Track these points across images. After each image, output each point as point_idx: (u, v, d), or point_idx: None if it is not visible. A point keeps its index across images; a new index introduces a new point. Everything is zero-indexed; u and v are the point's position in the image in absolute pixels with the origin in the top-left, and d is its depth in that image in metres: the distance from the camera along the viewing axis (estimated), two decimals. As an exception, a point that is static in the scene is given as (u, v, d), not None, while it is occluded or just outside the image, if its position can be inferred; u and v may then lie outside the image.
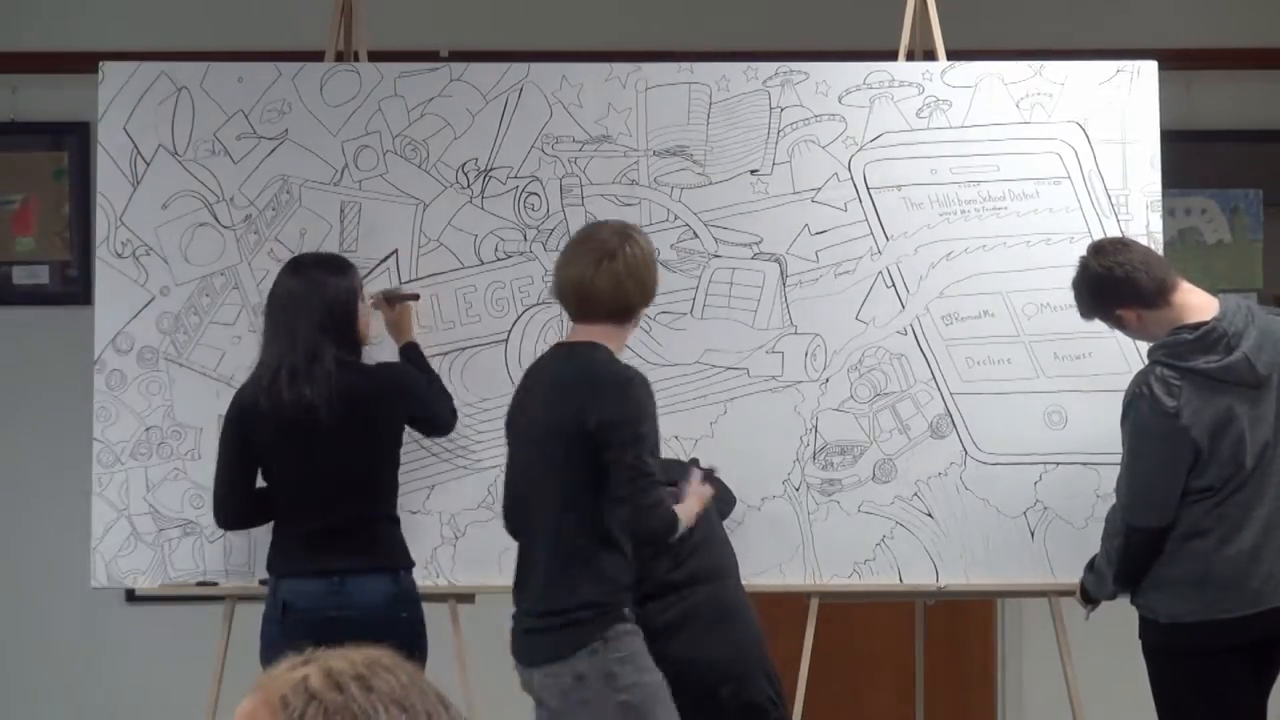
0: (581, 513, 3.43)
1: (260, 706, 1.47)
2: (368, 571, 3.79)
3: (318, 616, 3.73)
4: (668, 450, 4.08)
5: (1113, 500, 3.85)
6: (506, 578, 4.11)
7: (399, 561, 3.86)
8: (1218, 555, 3.68)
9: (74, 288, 5.41)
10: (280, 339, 3.80)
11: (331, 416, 3.74)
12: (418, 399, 3.95)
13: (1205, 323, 3.71)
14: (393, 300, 4.08)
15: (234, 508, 3.89)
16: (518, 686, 3.79)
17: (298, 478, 3.81)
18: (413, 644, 3.79)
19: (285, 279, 3.87)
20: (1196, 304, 3.76)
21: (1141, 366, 3.89)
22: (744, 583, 3.92)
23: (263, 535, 3.96)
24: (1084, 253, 3.84)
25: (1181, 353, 3.69)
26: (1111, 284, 3.76)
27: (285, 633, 3.72)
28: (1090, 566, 3.90)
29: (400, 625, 3.75)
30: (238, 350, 4.12)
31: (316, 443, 3.76)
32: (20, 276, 5.52)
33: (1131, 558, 3.77)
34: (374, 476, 3.86)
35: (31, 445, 4.29)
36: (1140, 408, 3.72)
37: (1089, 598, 3.92)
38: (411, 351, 4.06)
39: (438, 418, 4.00)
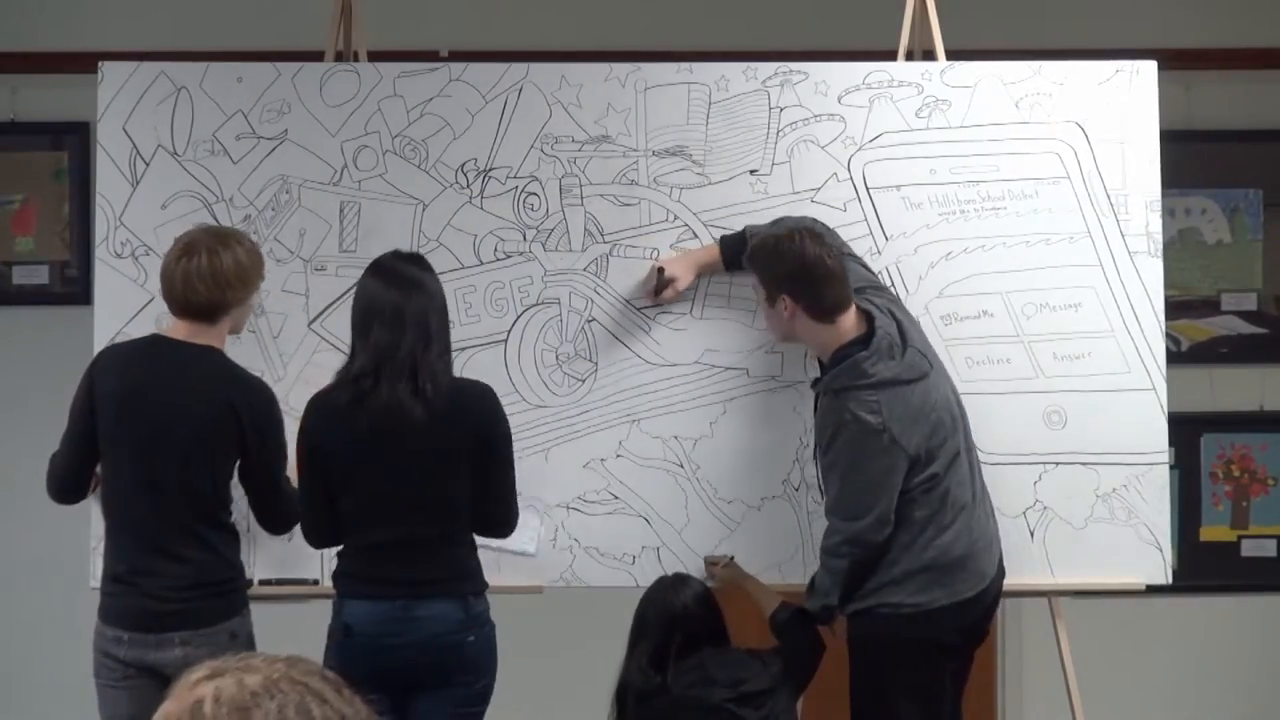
0: None
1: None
2: (435, 597, 3.64)
3: (379, 643, 3.61)
4: (668, 450, 4.10)
5: (1110, 501, 3.86)
6: (506, 578, 4.13)
7: (471, 586, 3.69)
8: (946, 539, 3.76)
9: (74, 288, 5.42)
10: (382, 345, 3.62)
11: (429, 431, 3.59)
12: (501, 447, 3.75)
13: (868, 335, 3.75)
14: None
15: (327, 527, 3.73)
16: (518, 686, 3.80)
17: (371, 495, 3.65)
18: (478, 664, 3.69)
19: (378, 285, 3.68)
20: (852, 323, 3.78)
21: (1139, 365, 3.89)
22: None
23: (262, 535, 3.96)
24: (795, 226, 3.85)
25: (866, 371, 3.72)
26: (803, 274, 3.75)
27: (346, 654, 3.60)
28: (812, 591, 3.88)
29: (464, 649, 3.64)
30: (237, 350, 4.11)
31: (401, 453, 3.62)
32: (20, 276, 5.53)
33: (860, 573, 3.78)
34: (457, 495, 3.67)
35: (31, 445, 4.29)
36: (849, 434, 3.72)
37: (823, 620, 3.88)
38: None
39: (503, 487, 3.75)
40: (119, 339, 4.06)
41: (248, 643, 3.74)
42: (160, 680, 3.62)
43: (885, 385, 3.71)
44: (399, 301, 3.62)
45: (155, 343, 3.83)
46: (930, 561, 3.76)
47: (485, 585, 3.73)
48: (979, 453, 3.93)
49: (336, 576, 3.73)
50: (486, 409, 3.71)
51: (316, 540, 3.79)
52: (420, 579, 3.63)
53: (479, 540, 3.75)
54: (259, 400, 3.79)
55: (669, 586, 3.85)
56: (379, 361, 3.59)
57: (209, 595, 3.74)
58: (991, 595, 3.86)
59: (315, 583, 4.06)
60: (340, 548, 3.74)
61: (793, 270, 3.76)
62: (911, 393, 3.73)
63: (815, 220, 4.04)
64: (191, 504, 3.73)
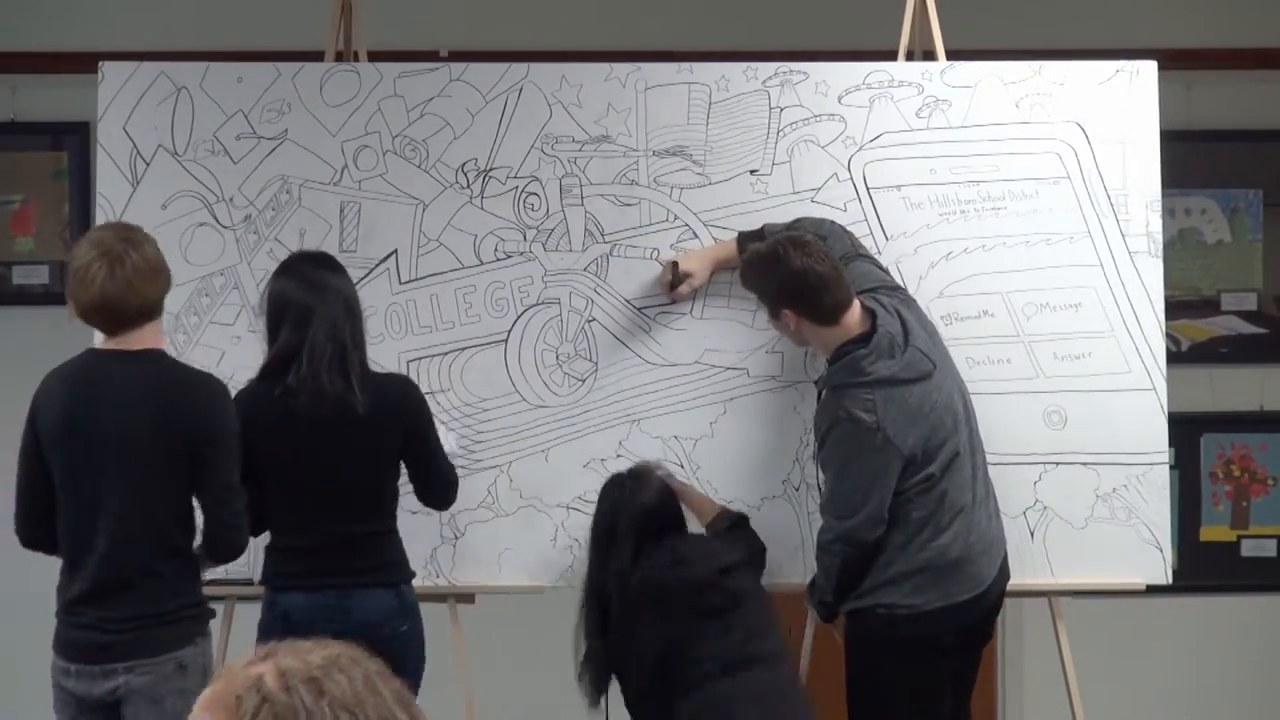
0: None
1: (217, 701, 1.47)
2: (369, 586, 3.75)
3: (314, 632, 3.65)
4: (668, 450, 4.10)
5: (1110, 501, 3.86)
6: (507, 578, 4.13)
7: (401, 575, 3.81)
8: (943, 541, 3.75)
9: (74, 288, 5.41)
10: (295, 340, 3.70)
11: (353, 425, 3.69)
12: (429, 433, 3.85)
13: (869, 333, 3.74)
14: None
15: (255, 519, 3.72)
16: (518, 686, 3.80)
17: (305, 487, 3.74)
18: (412, 655, 3.76)
19: (287, 280, 3.78)
20: (856, 320, 3.78)
21: (1139, 365, 3.87)
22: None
23: (262, 537, 3.96)
24: (780, 238, 3.83)
25: (863, 368, 3.72)
26: (796, 287, 3.76)
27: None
28: (812, 590, 3.92)
29: (399, 640, 3.71)
30: (237, 350, 4.12)
31: (327, 452, 3.71)
32: (20, 276, 5.53)
33: (853, 571, 3.79)
34: (384, 487, 3.81)
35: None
36: (843, 431, 3.73)
37: (826, 618, 3.91)
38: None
39: (441, 468, 3.88)
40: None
41: (200, 675, 3.51)
42: (110, 714, 3.54)
43: (882, 384, 3.71)
44: (310, 302, 3.71)
45: (90, 358, 3.62)
46: (925, 563, 3.75)
47: (413, 574, 3.84)
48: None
49: (269, 570, 3.80)
50: (409, 400, 3.82)
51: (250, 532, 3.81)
52: (353, 569, 3.72)
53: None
54: (205, 400, 3.58)
55: (632, 487, 3.86)
56: (294, 362, 3.68)
57: (153, 625, 3.52)
58: (992, 598, 3.85)
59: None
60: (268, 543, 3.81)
61: (785, 285, 3.78)
62: (910, 393, 3.73)
63: (828, 221, 4.04)
64: (144, 531, 3.52)
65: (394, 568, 3.80)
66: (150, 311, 3.57)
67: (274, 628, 3.71)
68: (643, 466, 3.95)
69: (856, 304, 3.79)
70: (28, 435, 3.61)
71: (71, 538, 3.57)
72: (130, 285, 3.50)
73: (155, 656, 3.51)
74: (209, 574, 3.95)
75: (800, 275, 3.74)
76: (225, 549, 3.63)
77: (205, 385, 3.61)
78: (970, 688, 3.95)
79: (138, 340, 3.57)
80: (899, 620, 3.77)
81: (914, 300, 3.97)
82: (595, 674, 3.81)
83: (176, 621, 3.56)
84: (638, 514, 3.80)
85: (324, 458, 3.72)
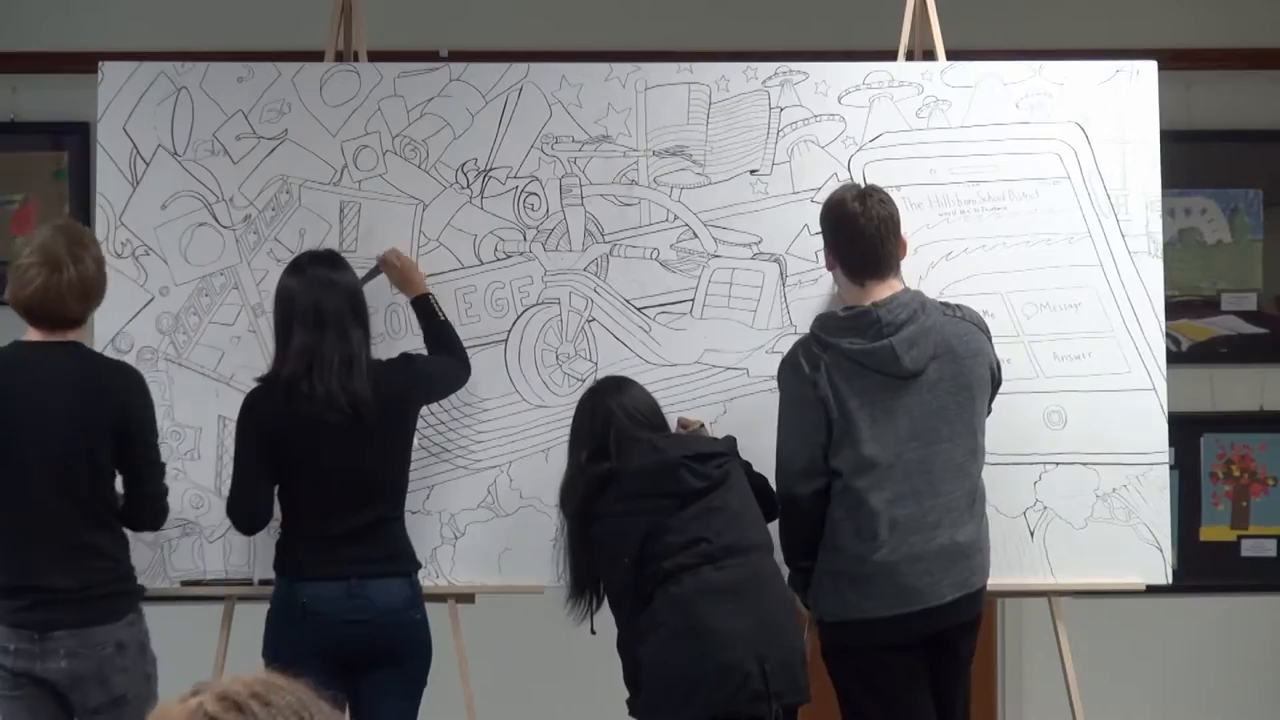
0: None
1: None
2: (385, 575, 3.80)
3: (336, 619, 3.74)
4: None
5: (1110, 501, 3.86)
6: (506, 578, 4.13)
7: (413, 565, 3.89)
8: (859, 551, 3.64)
9: (74, 288, 5.41)
10: (303, 341, 3.76)
11: (369, 416, 3.75)
12: (439, 388, 4.00)
13: (863, 305, 3.69)
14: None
15: (259, 511, 3.83)
16: (518, 686, 3.80)
17: (321, 481, 3.78)
18: (425, 643, 3.86)
19: (296, 280, 3.83)
20: (880, 296, 3.70)
21: (1139, 365, 3.86)
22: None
23: (263, 536, 3.95)
24: (864, 186, 3.80)
25: (831, 329, 3.70)
26: (835, 225, 3.76)
27: (303, 635, 3.72)
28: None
29: (415, 627, 3.81)
30: (237, 350, 4.13)
31: (345, 443, 3.76)
32: (20, 276, 5.52)
33: (785, 530, 3.75)
34: (398, 477, 3.88)
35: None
36: (784, 373, 3.75)
37: (800, 587, 3.80)
38: (425, 304, 4.04)
39: (456, 381, 4.03)
40: (118, 338, 4.08)
41: (138, 652, 3.73)
42: (47, 690, 3.65)
43: (838, 351, 3.65)
44: (318, 302, 3.75)
45: (16, 348, 3.74)
46: (843, 569, 3.67)
47: (420, 565, 3.91)
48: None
49: (285, 561, 3.82)
50: (414, 379, 3.91)
51: (250, 525, 3.86)
52: (369, 558, 3.78)
53: None
54: (126, 383, 3.74)
55: (612, 390, 3.86)
56: (308, 360, 3.73)
57: (95, 599, 3.67)
58: (939, 618, 3.67)
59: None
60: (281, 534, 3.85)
61: (827, 218, 3.79)
62: (865, 375, 3.63)
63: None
64: (75, 506, 3.66)
65: (407, 557, 3.87)
66: (77, 323, 3.74)
67: (294, 617, 3.75)
68: (623, 377, 3.95)
69: (892, 282, 3.72)
70: None
71: (7, 518, 3.70)
72: (62, 299, 3.67)
73: (95, 626, 3.64)
74: (210, 574, 3.97)
75: (842, 216, 3.73)
76: (149, 517, 3.83)
77: (125, 368, 3.82)
78: (958, 675, 3.79)
79: (63, 335, 3.71)
80: (832, 627, 3.71)
81: (976, 329, 3.80)
82: (580, 587, 3.82)
83: (114, 595, 3.71)
84: (619, 414, 3.79)
85: (338, 452, 3.75)
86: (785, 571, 3.81)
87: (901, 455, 3.65)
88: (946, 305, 3.81)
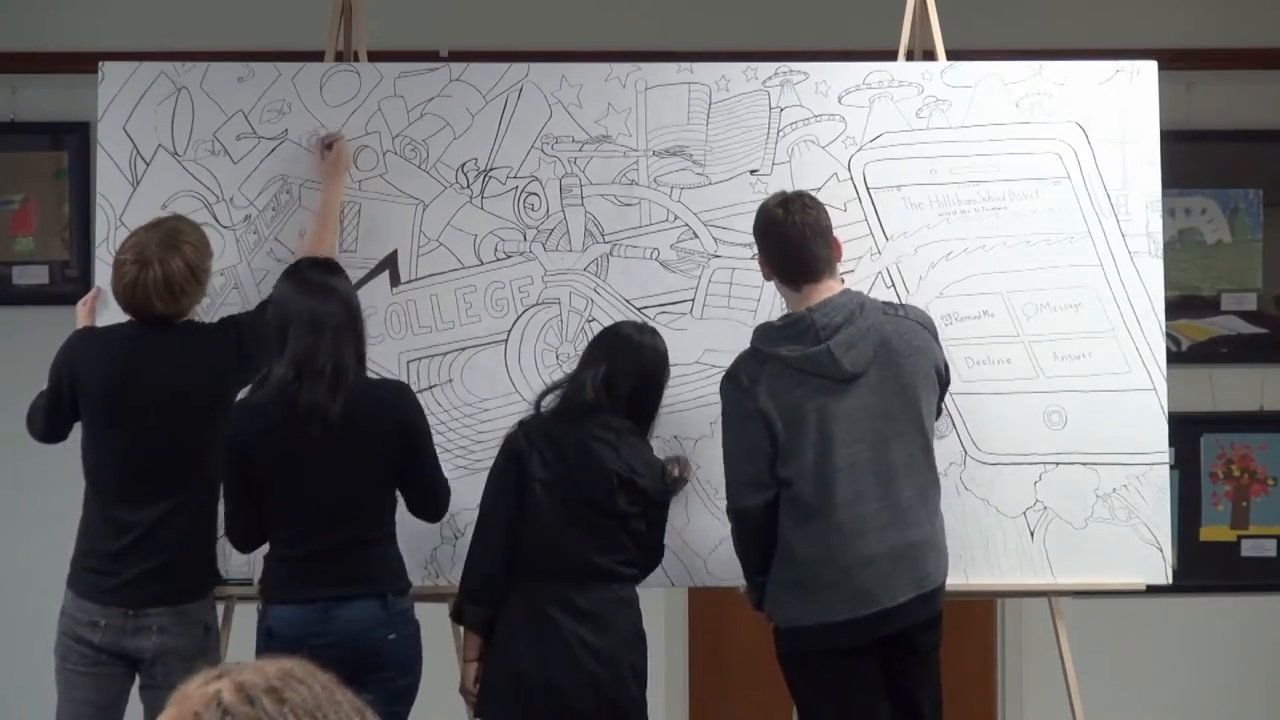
0: None
1: None
2: (355, 598, 3.69)
3: (300, 645, 3.55)
4: (668, 450, 4.09)
5: (1110, 501, 3.85)
6: (506, 578, 4.12)
7: (389, 585, 3.74)
8: (811, 558, 3.62)
9: (74, 288, 5.40)
10: (295, 351, 3.71)
11: (350, 432, 3.68)
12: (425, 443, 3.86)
13: (799, 312, 3.70)
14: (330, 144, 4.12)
15: (253, 532, 3.80)
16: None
17: (302, 499, 3.70)
18: (403, 659, 3.73)
19: (291, 287, 3.79)
20: (815, 301, 3.70)
21: (1139, 365, 3.86)
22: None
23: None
24: (791, 194, 3.81)
25: (769, 339, 3.71)
26: (764, 232, 3.78)
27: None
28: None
29: (388, 647, 3.69)
30: (237, 350, 4.13)
31: (324, 465, 3.68)
32: (20, 276, 5.53)
33: (739, 544, 3.76)
34: (376, 497, 3.77)
35: (32, 445, 4.29)
36: (725, 387, 3.76)
37: (756, 603, 3.79)
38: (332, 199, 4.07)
39: (433, 478, 3.87)
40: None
41: (215, 641, 3.91)
42: (131, 666, 3.79)
43: (777, 360, 3.66)
44: (315, 307, 3.70)
45: (135, 328, 3.89)
46: (797, 578, 3.65)
47: (409, 585, 3.79)
48: (979, 453, 3.92)
49: (263, 583, 3.78)
50: (406, 408, 3.79)
51: (246, 544, 3.84)
52: (340, 580, 3.69)
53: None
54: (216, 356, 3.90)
55: (638, 329, 3.94)
56: (299, 367, 3.67)
57: (185, 580, 3.83)
58: (896, 618, 3.63)
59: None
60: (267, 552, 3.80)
61: (756, 227, 3.81)
62: (804, 380, 3.63)
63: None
64: (180, 488, 3.82)
65: (382, 578, 3.73)
66: (166, 319, 3.87)
67: (260, 642, 3.70)
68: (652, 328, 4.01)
69: (828, 284, 3.71)
70: (65, 377, 3.95)
71: (112, 489, 3.87)
72: (148, 296, 3.81)
73: (184, 604, 3.81)
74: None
75: (770, 223, 3.75)
76: None
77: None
78: (923, 681, 3.73)
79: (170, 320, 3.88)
80: (782, 633, 3.70)
81: (920, 328, 3.77)
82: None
83: (202, 575, 3.90)
84: (632, 350, 3.88)
85: (321, 470, 3.68)
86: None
87: (849, 458, 3.63)
88: (889, 305, 3.80)
